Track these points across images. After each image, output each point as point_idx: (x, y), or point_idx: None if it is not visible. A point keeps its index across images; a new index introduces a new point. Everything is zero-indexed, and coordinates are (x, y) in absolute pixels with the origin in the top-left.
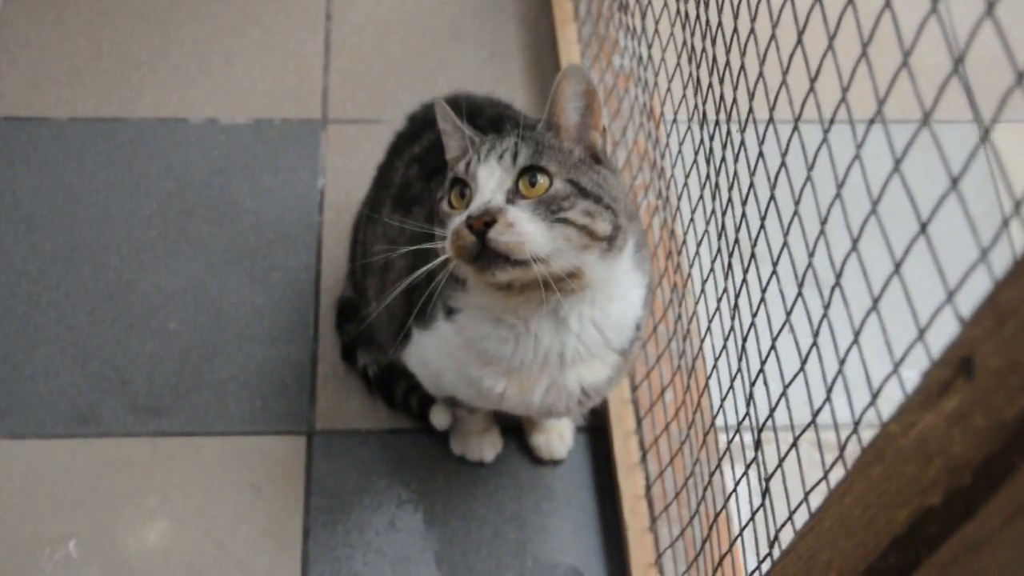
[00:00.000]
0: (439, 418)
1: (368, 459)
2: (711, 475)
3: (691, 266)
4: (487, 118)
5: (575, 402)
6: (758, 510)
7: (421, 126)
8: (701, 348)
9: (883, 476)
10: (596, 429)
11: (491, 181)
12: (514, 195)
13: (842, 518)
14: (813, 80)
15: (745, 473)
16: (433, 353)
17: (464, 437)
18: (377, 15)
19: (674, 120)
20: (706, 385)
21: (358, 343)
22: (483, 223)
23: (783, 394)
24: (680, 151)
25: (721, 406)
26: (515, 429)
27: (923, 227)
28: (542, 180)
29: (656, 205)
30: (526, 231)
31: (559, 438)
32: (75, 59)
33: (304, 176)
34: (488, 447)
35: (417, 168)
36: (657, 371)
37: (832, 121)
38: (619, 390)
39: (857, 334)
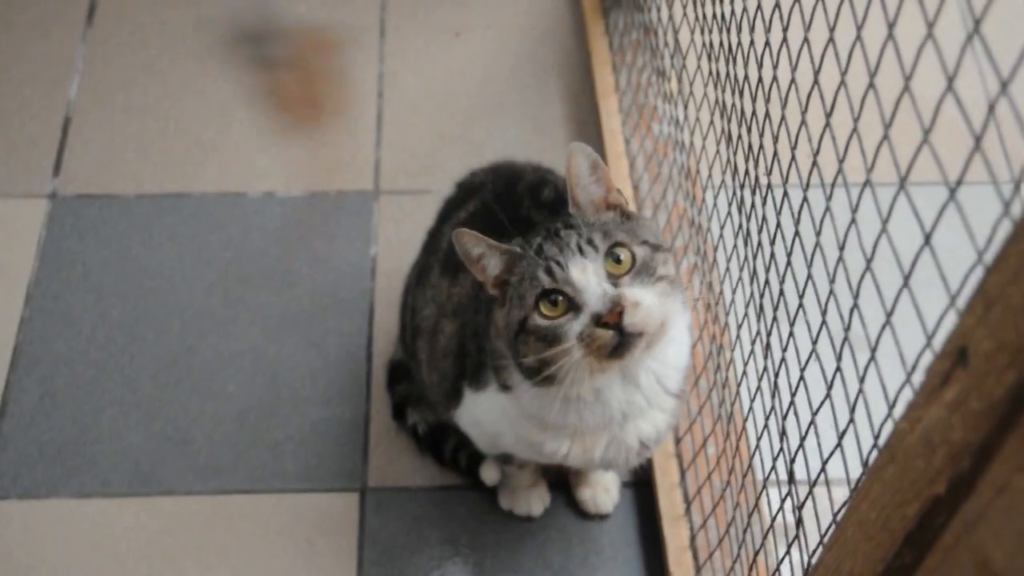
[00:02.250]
0: (489, 474)
1: (419, 515)
2: (749, 516)
3: (727, 314)
4: (528, 184)
5: (634, 454)
6: (793, 541)
7: (467, 192)
8: (738, 392)
9: (895, 475)
10: (641, 483)
11: (590, 276)
12: (611, 278)
13: (861, 523)
14: (826, 124)
15: (781, 508)
16: (488, 417)
17: (512, 492)
18: (426, 92)
19: (709, 176)
20: (743, 428)
21: (408, 402)
22: (617, 314)
23: (811, 422)
24: (716, 204)
25: (757, 445)
26: (562, 483)
27: (927, 239)
28: (623, 254)
29: (696, 263)
30: (649, 303)
31: (605, 492)
32: (142, 139)
33: (357, 245)
34: (536, 502)
35: None
36: (699, 423)
37: (841, 167)
38: (664, 444)
39: (874, 350)
